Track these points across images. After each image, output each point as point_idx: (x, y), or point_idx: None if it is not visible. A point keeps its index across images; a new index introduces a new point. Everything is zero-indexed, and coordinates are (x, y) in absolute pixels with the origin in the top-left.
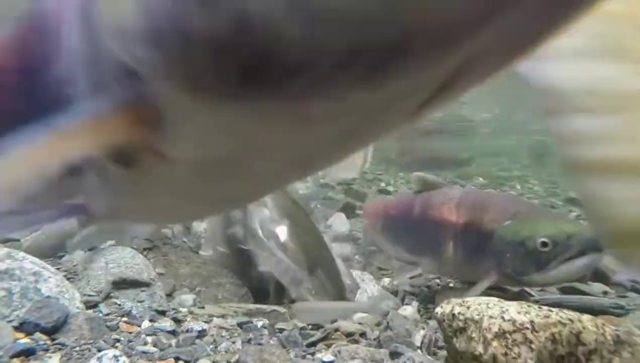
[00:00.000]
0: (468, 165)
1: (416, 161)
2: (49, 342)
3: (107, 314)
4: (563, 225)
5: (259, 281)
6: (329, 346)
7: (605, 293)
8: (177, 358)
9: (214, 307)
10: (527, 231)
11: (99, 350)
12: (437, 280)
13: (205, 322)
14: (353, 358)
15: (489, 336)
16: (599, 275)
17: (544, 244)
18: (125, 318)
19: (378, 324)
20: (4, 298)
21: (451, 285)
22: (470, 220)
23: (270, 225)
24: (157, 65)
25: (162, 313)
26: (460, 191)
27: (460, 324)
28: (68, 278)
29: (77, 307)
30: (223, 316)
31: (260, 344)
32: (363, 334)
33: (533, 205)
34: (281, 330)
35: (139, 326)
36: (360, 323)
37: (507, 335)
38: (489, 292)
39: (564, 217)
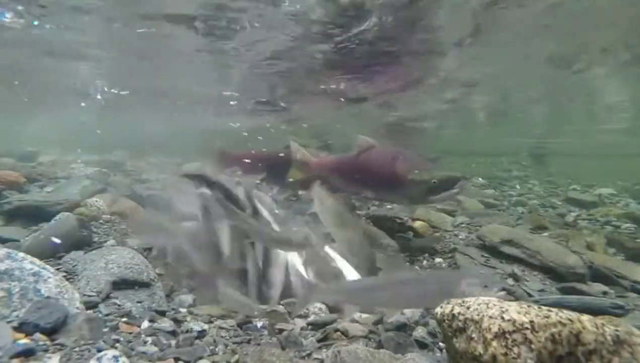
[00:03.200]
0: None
1: None
2: (48, 342)
3: (107, 314)
4: (443, 173)
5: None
6: (328, 346)
7: (605, 293)
8: (177, 359)
9: (214, 307)
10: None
11: (99, 351)
12: None
13: (205, 322)
14: (353, 358)
15: (489, 336)
16: (599, 276)
17: (434, 183)
18: (125, 319)
19: (377, 323)
20: (3, 298)
21: None
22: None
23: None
24: None
25: (162, 313)
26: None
27: (460, 324)
28: (68, 279)
29: (77, 308)
30: (222, 316)
31: (260, 344)
32: (363, 334)
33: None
34: (281, 331)
35: (139, 326)
36: (360, 323)
37: (507, 335)
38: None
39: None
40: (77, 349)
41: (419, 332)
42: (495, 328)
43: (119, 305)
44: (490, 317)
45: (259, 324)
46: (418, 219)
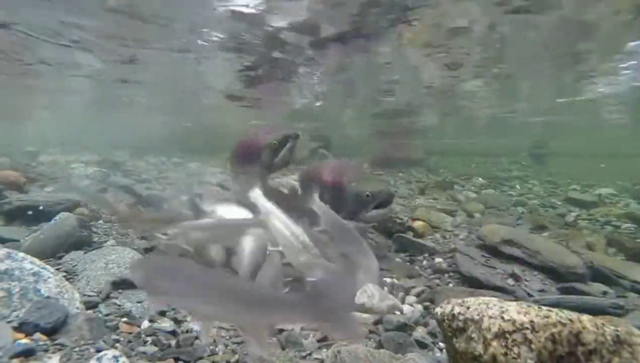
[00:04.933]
0: (420, 165)
1: (384, 163)
2: (48, 342)
3: (107, 314)
4: (377, 186)
5: None
6: (328, 346)
7: (605, 293)
8: (176, 359)
9: None
10: (360, 188)
11: (99, 351)
12: (437, 281)
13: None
14: (353, 358)
15: (489, 336)
16: (599, 276)
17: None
18: (125, 319)
19: (377, 323)
20: (3, 298)
21: (451, 285)
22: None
23: None
24: None
25: (162, 313)
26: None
27: (460, 324)
28: (68, 279)
29: (77, 308)
30: None
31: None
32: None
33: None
34: (281, 331)
35: (139, 326)
36: (360, 323)
37: (507, 335)
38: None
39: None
40: (77, 349)
41: (419, 332)
42: (495, 328)
43: (119, 305)
44: (490, 317)
45: None
46: (418, 219)
